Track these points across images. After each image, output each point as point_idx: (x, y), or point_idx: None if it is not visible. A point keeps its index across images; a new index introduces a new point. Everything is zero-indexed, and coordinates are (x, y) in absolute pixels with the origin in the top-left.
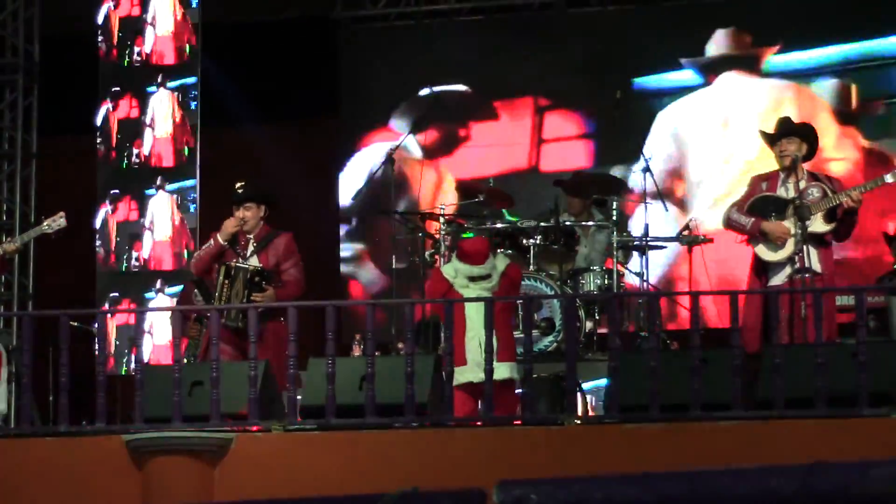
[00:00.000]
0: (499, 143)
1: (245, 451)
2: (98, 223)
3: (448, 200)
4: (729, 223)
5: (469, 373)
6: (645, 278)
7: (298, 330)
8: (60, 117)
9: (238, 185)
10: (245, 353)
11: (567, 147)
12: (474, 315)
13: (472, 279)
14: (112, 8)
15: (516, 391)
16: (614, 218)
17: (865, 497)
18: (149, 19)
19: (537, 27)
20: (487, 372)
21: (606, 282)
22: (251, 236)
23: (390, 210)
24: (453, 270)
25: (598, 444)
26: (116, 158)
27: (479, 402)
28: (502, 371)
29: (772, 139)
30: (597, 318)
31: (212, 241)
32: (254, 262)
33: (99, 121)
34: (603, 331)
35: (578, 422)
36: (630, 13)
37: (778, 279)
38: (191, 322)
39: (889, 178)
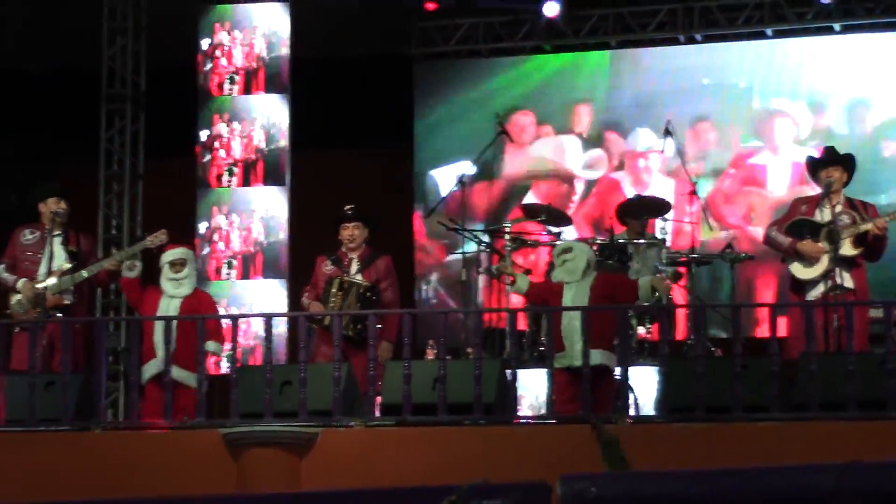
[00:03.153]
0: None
1: (329, 445)
2: (198, 238)
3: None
4: (768, 240)
5: (564, 358)
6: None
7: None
8: (164, 141)
9: (347, 206)
10: (346, 358)
11: None
12: (569, 303)
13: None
14: (211, 42)
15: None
16: (663, 237)
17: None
18: (245, 52)
19: (593, 63)
20: (585, 367)
21: (656, 294)
22: (354, 256)
23: (461, 227)
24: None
25: (648, 442)
26: (214, 178)
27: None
28: (593, 357)
29: (817, 165)
30: (647, 327)
31: (306, 303)
32: (359, 278)
33: (198, 145)
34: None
35: (630, 421)
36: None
37: (813, 295)
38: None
39: None
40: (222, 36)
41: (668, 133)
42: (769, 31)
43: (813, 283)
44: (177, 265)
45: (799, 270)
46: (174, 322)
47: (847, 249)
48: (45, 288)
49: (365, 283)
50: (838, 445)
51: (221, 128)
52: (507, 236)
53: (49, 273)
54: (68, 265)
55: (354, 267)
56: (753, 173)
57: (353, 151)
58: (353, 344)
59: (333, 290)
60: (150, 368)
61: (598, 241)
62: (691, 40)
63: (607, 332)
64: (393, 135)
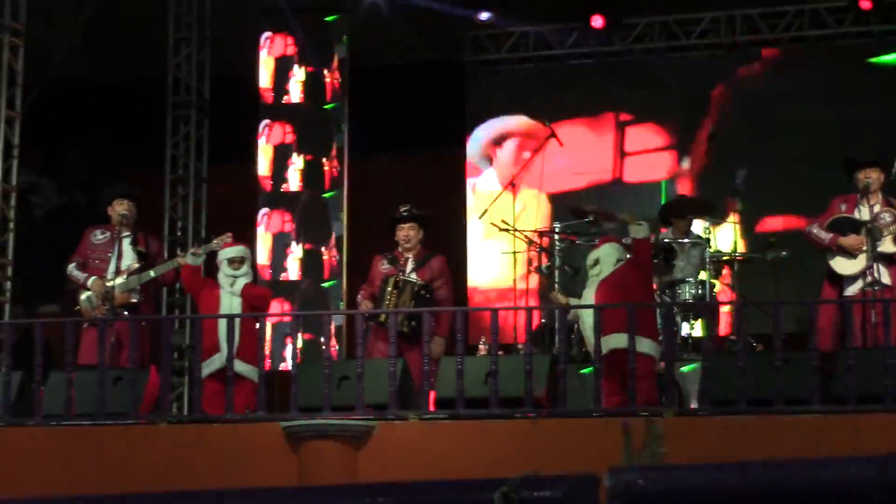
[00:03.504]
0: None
1: (385, 437)
2: (258, 237)
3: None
4: (809, 235)
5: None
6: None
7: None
8: (226, 146)
9: (403, 208)
10: (401, 353)
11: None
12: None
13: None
14: (271, 51)
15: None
16: (707, 236)
17: None
18: (304, 61)
19: (640, 69)
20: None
21: (700, 291)
22: (409, 255)
23: (511, 228)
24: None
25: (692, 434)
26: (273, 179)
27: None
28: (611, 342)
29: (855, 166)
30: (691, 323)
31: (360, 301)
32: (413, 276)
33: (259, 149)
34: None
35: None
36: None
37: (851, 290)
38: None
39: None
40: (282, 45)
41: (712, 137)
42: (809, 37)
43: (852, 278)
44: (235, 262)
45: (839, 265)
46: (237, 318)
47: (888, 246)
48: (114, 286)
49: (419, 281)
50: (876, 437)
51: (281, 133)
52: (556, 237)
53: (117, 272)
54: (136, 265)
55: (410, 266)
56: None
57: (407, 155)
58: (408, 340)
59: (389, 289)
60: (213, 363)
61: None
62: (734, 46)
63: (640, 321)
64: (446, 139)
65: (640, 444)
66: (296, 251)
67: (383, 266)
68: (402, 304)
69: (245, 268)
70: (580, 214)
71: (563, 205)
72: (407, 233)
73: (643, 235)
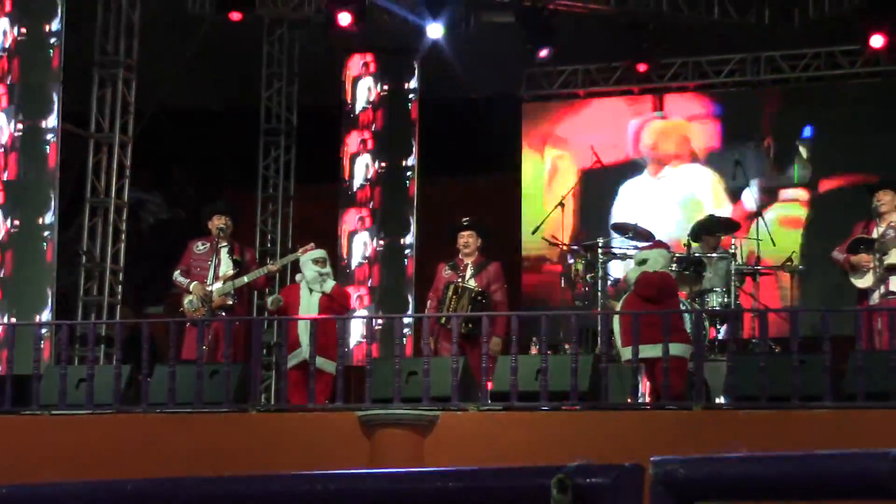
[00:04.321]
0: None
1: (448, 426)
2: (341, 242)
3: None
4: (831, 259)
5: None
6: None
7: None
8: (311, 168)
9: (464, 219)
10: (463, 351)
11: None
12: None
13: None
14: (353, 84)
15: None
16: (733, 251)
17: None
18: (381, 93)
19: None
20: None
21: (726, 300)
22: (469, 261)
23: (561, 242)
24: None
25: (718, 426)
26: (354, 198)
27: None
28: (645, 351)
29: (872, 190)
30: (718, 327)
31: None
32: (472, 283)
33: (341, 171)
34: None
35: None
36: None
37: (872, 300)
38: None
39: None
40: (363, 78)
41: (737, 164)
42: (825, 76)
43: (871, 290)
44: (319, 262)
45: (856, 281)
46: (316, 315)
47: (893, 258)
48: (212, 290)
49: (476, 288)
50: (883, 430)
51: (358, 144)
52: (599, 250)
53: (216, 278)
54: (232, 272)
55: (469, 272)
56: None
57: (469, 177)
58: (468, 340)
59: (450, 295)
60: (295, 357)
61: (677, 255)
62: (759, 84)
63: (653, 325)
64: (503, 165)
65: None
66: (371, 258)
67: (446, 272)
68: (461, 308)
69: (328, 267)
70: (621, 230)
71: (594, 180)
72: (467, 240)
73: (636, 276)
